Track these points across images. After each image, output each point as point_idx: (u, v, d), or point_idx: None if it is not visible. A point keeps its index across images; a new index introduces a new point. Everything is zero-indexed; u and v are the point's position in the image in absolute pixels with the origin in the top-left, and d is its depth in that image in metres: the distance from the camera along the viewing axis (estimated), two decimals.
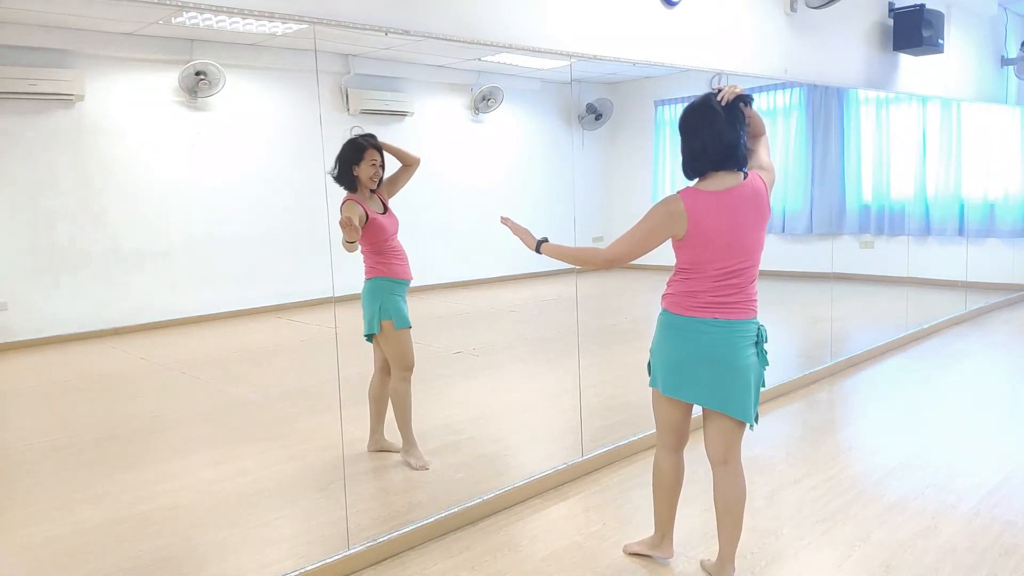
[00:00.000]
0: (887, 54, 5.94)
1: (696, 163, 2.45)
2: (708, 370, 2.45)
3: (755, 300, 2.50)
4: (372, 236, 3.56)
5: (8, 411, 5.14)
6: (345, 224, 3.28)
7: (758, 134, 2.61)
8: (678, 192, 2.44)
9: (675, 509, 2.74)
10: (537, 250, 2.70)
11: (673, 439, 2.65)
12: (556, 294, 8.79)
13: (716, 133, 2.39)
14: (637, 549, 2.82)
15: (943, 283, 7.93)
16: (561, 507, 3.28)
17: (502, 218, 2.84)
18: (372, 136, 3.65)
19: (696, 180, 2.47)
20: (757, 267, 2.50)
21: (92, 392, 5.46)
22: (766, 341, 2.53)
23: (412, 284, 3.75)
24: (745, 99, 2.46)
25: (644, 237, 2.45)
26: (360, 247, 3.57)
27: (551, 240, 2.70)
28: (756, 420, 2.53)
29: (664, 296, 2.55)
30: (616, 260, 2.49)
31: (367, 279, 3.67)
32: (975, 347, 6.03)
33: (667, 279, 2.56)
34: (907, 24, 5.78)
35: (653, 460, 2.72)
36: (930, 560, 2.71)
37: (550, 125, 10.85)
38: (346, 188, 3.62)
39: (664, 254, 2.61)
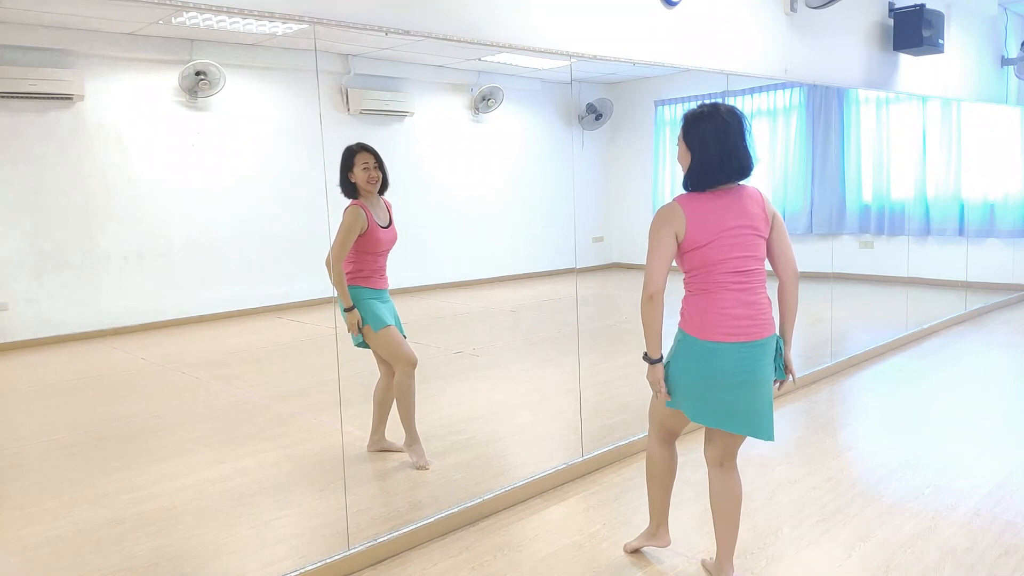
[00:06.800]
0: (887, 54, 5.94)
1: (705, 178, 2.40)
2: (734, 393, 2.42)
3: (771, 311, 2.47)
4: (364, 246, 3.54)
5: (8, 411, 5.14)
6: (352, 326, 3.55)
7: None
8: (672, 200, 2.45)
9: (669, 497, 2.75)
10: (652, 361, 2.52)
11: (666, 434, 2.69)
12: (556, 294, 8.79)
13: (731, 147, 2.36)
14: (635, 544, 2.83)
15: (943, 283, 7.93)
16: (561, 507, 3.28)
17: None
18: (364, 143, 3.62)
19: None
20: (764, 272, 2.46)
21: (92, 392, 5.46)
22: (782, 353, 2.53)
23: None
24: None
25: (658, 249, 2.41)
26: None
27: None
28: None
29: (683, 316, 2.49)
30: (653, 289, 2.41)
31: None
32: (975, 347, 6.03)
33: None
34: (907, 24, 5.78)
35: (646, 451, 2.74)
36: (930, 560, 2.71)
37: (550, 125, 10.85)
38: (349, 196, 3.60)
39: None
